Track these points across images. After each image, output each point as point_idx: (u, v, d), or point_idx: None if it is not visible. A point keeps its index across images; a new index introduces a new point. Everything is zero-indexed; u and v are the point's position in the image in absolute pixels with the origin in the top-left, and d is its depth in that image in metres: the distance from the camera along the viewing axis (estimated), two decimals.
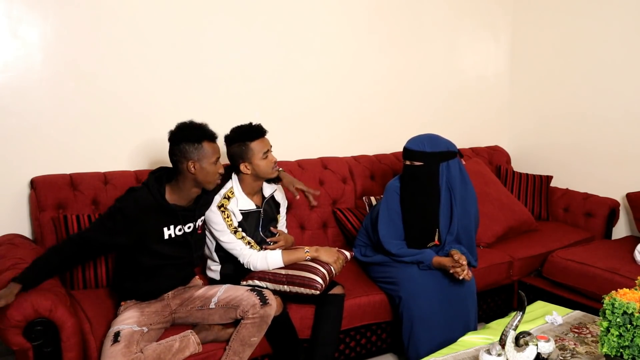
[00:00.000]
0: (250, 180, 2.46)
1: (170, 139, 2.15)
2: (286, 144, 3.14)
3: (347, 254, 2.53)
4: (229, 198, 2.42)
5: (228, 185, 2.48)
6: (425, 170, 2.58)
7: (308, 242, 2.95)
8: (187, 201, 2.18)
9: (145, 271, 2.15)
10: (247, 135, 2.41)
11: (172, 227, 2.14)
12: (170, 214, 2.12)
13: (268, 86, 3.12)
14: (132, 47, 2.70)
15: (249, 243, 2.40)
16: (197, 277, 2.42)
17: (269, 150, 2.43)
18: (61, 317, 1.92)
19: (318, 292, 2.31)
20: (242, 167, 2.41)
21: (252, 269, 2.39)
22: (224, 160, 2.82)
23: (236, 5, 2.96)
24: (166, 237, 2.13)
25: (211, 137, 2.16)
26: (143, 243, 2.09)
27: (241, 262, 2.40)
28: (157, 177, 2.15)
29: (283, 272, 2.35)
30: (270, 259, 2.38)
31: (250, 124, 2.44)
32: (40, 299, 1.89)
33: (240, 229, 2.41)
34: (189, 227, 2.19)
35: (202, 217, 2.30)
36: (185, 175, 2.12)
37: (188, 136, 2.11)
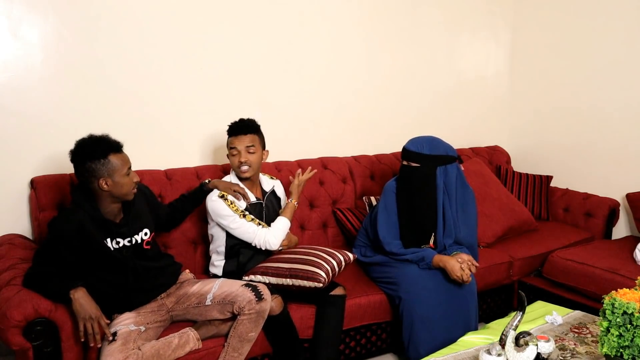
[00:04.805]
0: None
1: (72, 160, 2.00)
2: (286, 144, 3.15)
3: (350, 256, 2.53)
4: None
5: (226, 179, 2.52)
6: (421, 172, 2.58)
7: (308, 242, 2.95)
8: (113, 217, 2.08)
9: (117, 287, 2.07)
10: (229, 130, 2.50)
11: (108, 240, 2.04)
12: (105, 226, 2.03)
13: (268, 86, 3.12)
14: (132, 47, 2.70)
15: (259, 224, 2.43)
16: (186, 270, 2.40)
17: (235, 148, 2.46)
18: (61, 317, 1.92)
19: (321, 285, 2.30)
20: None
21: (271, 247, 2.41)
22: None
23: (237, 5, 2.96)
24: (112, 248, 2.04)
25: (116, 148, 2.03)
26: (93, 260, 2.02)
27: (257, 244, 2.41)
28: (83, 193, 2.03)
29: (286, 266, 2.35)
30: (279, 225, 2.45)
31: (237, 120, 2.52)
32: (41, 299, 1.89)
33: (247, 212, 2.43)
34: (129, 241, 2.10)
35: (147, 230, 2.17)
36: (99, 193, 2.01)
37: (91, 153, 1.96)
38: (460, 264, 2.44)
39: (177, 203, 2.49)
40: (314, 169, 3.09)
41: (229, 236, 2.45)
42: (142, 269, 2.13)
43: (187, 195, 2.51)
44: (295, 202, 2.57)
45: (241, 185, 2.49)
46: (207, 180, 2.51)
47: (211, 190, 2.46)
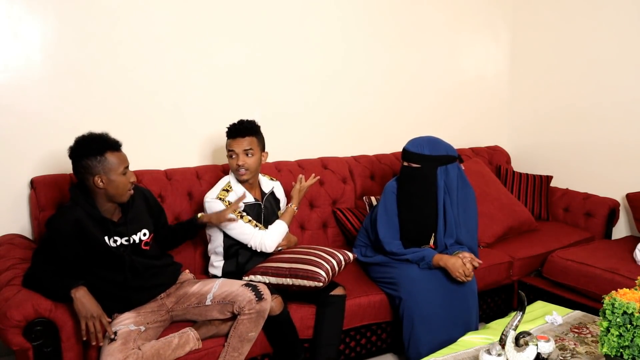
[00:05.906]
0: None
1: (70, 156, 2.01)
2: (286, 144, 3.15)
3: (350, 255, 2.53)
4: (227, 191, 2.46)
5: (225, 179, 2.51)
6: (422, 173, 2.57)
7: (308, 242, 2.95)
8: (111, 215, 2.07)
9: (116, 285, 2.07)
10: (227, 132, 2.49)
11: (106, 237, 2.04)
12: (103, 223, 2.03)
13: (268, 86, 3.12)
14: (132, 47, 2.70)
15: (256, 226, 2.43)
16: (186, 270, 2.40)
17: (233, 151, 2.45)
18: (61, 317, 1.92)
19: (322, 285, 2.30)
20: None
21: (267, 249, 2.42)
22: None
23: (235, 4, 2.96)
24: (112, 245, 2.04)
25: (114, 146, 2.03)
26: (91, 257, 2.01)
27: (253, 245, 2.41)
28: (82, 191, 2.03)
29: (286, 265, 2.35)
30: (277, 228, 2.45)
31: (239, 121, 2.49)
32: (41, 299, 1.89)
33: (245, 214, 2.43)
34: (126, 240, 2.09)
35: (145, 231, 2.17)
36: (94, 191, 2.01)
37: (88, 150, 1.97)
38: (462, 260, 2.44)
39: (172, 226, 2.43)
40: (314, 169, 3.12)
41: (227, 236, 2.45)
42: (141, 266, 2.13)
43: (178, 224, 2.45)
44: (295, 207, 2.57)
45: (239, 185, 2.49)
46: (198, 215, 2.45)
47: (203, 224, 2.42)
